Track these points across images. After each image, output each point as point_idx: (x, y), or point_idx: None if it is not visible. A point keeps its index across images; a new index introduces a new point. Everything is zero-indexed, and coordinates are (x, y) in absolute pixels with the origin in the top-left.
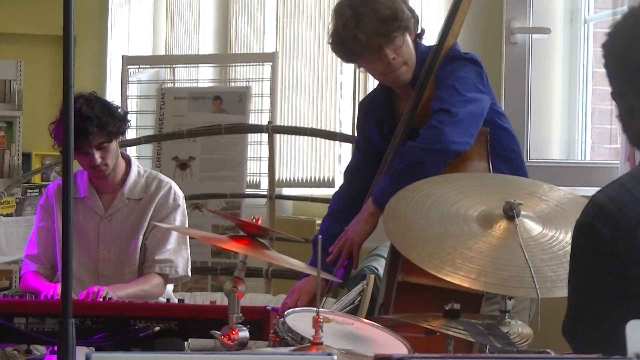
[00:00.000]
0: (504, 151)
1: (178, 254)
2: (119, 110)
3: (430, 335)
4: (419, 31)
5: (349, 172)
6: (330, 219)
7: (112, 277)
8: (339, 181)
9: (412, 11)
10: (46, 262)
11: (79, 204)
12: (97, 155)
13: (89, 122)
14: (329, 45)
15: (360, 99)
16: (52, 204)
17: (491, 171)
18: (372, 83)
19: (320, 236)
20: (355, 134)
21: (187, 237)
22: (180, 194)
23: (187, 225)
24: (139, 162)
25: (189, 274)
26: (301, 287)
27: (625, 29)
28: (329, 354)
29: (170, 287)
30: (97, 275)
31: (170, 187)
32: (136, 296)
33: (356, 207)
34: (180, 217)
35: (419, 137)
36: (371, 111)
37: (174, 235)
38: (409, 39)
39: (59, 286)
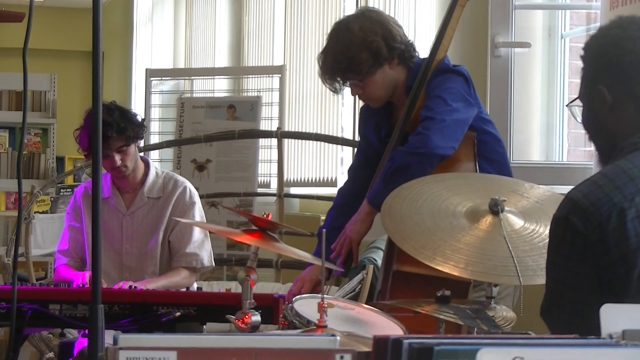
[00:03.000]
0: (490, 153)
1: (202, 247)
2: (137, 117)
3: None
4: (411, 54)
5: (351, 170)
6: (333, 212)
7: (134, 269)
8: (341, 181)
9: (389, 47)
10: (75, 255)
11: (103, 204)
12: (117, 157)
13: (109, 128)
14: None
15: (360, 107)
16: (79, 205)
17: (477, 171)
18: None
19: (324, 230)
20: (356, 138)
21: (194, 225)
22: (195, 192)
23: (205, 219)
24: (161, 165)
25: (213, 264)
26: (304, 276)
27: (613, 31)
28: (332, 335)
29: None
30: (121, 267)
31: (186, 186)
32: (167, 287)
33: (357, 202)
34: (199, 212)
35: (407, 142)
36: (369, 116)
37: (197, 230)
38: (377, 77)
39: (87, 274)
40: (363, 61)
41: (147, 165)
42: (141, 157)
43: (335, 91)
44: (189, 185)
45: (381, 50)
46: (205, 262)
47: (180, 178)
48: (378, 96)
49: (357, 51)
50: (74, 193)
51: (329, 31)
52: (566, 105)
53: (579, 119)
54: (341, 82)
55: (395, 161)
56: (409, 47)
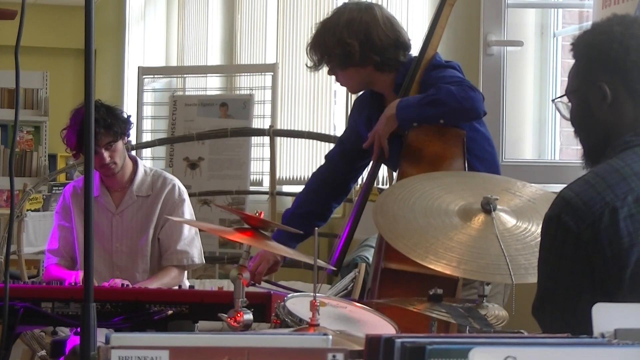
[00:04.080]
0: (481, 152)
1: (192, 245)
2: (123, 113)
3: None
4: (392, 65)
5: (328, 158)
6: (300, 198)
7: (125, 267)
8: None
9: (364, 56)
10: (66, 255)
11: (93, 202)
12: (106, 154)
13: (96, 124)
14: None
15: (351, 106)
16: (69, 204)
17: (466, 169)
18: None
19: (317, 229)
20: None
21: (186, 223)
22: (184, 190)
23: (194, 216)
24: (153, 163)
25: (203, 261)
26: (262, 255)
27: (615, 28)
28: (324, 334)
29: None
30: (112, 266)
31: (174, 184)
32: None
33: (325, 191)
34: (188, 209)
35: (459, 88)
36: (362, 108)
37: (186, 227)
38: (347, 72)
39: (80, 273)
40: (335, 56)
41: (135, 164)
42: (129, 156)
43: (313, 66)
44: (178, 183)
45: (354, 55)
46: (196, 260)
47: (169, 176)
48: (349, 87)
49: (334, 44)
50: (62, 192)
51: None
52: (552, 101)
53: (566, 114)
54: (317, 61)
55: (441, 94)
56: (389, 60)
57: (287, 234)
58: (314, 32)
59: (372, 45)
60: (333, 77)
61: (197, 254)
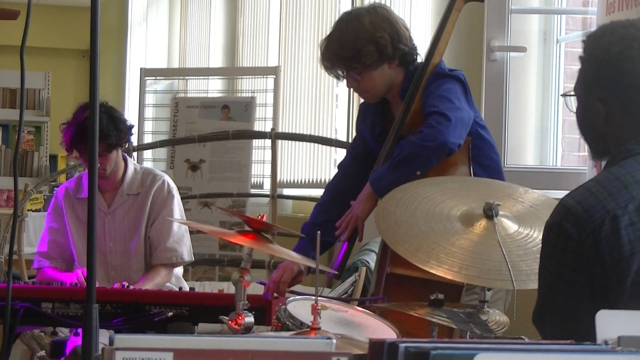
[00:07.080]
0: (484, 159)
1: (181, 242)
2: (126, 122)
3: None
4: (413, 58)
5: (341, 167)
6: (317, 208)
7: (119, 267)
8: None
9: (395, 47)
10: (58, 257)
11: (84, 203)
12: None
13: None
14: None
15: (353, 110)
16: (61, 205)
17: (472, 175)
18: None
19: (319, 232)
20: (350, 140)
21: (187, 225)
22: (174, 186)
23: (184, 212)
24: (154, 164)
25: (192, 258)
26: (286, 265)
27: (613, 47)
28: (329, 338)
29: (180, 271)
30: (107, 266)
31: (164, 180)
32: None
33: (342, 200)
34: (178, 206)
35: (419, 133)
36: (367, 113)
37: (175, 225)
38: (376, 73)
39: (78, 273)
40: (368, 54)
41: (125, 163)
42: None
43: (337, 77)
44: (167, 179)
45: (387, 47)
46: (185, 257)
47: (159, 172)
48: (373, 91)
49: (365, 43)
50: (55, 194)
51: (336, 20)
52: (561, 95)
53: (573, 109)
54: (342, 71)
55: (404, 150)
56: (412, 50)
57: (308, 246)
58: (328, 44)
59: (399, 36)
60: (335, 80)
61: (186, 251)
